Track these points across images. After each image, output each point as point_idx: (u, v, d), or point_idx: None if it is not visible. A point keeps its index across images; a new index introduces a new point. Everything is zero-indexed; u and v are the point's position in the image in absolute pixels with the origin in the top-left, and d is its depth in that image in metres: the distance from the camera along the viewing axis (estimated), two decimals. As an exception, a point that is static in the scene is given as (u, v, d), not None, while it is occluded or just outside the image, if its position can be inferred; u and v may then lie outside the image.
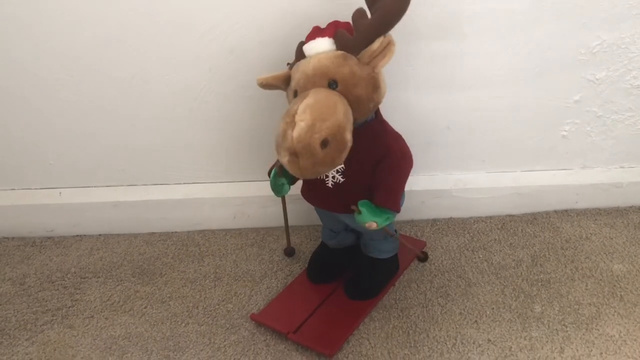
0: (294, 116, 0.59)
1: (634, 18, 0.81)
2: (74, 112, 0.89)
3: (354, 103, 0.64)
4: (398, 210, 0.69)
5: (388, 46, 0.64)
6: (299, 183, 0.78)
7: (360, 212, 0.66)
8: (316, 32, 0.68)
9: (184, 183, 0.97)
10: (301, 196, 0.78)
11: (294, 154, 0.59)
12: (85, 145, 0.93)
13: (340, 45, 0.65)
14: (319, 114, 0.59)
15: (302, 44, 0.69)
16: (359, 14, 0.65)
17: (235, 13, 0.80)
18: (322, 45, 0.66)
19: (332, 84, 0.64)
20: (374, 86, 0.66)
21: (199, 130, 0.91)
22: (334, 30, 0.66)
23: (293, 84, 0.67)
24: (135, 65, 0.85)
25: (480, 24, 0.82)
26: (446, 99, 0.87)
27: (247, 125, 0.90)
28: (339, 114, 0.61)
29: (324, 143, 0.59)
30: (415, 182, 0.93)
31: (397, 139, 0.71)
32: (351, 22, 0.66)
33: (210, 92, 0.87)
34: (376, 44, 0.64)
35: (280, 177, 0.73)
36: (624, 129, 0.92)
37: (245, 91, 0.87)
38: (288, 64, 0.73)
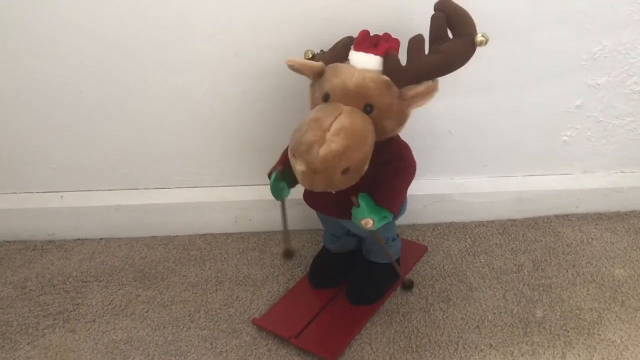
0: (325, 132, 0.58)
1: (635, 24, 0.82)
2: (75, 115, 0.90)
3: (378, 131, 0.64)
4: (395, 213, 0.68)
5: (432, 92, 0.63)
6: (300, 187, 0.78)
7: (358, 206, 0.65)
8: (368, 44, 0.65)
9: (186, 187, 0.97)
10: (302, 200, 0.78)
11: (313, 170, 0.58)
12: (87, 149, 0.93)
13: (388, 70, 0.63)
14: (352, 142, 0.59)
15: (349, 42, 0.67)
16: (417, 43, 0.63)
17: (238, 17, 0.80)
18: (371, 63, 0.64)
19: (368, 108, 0.63)
20: (402, 121, 0.65)
21: (201, 134, 0.91)
22: (386, 48, 0.64)
23: (327, 86, 0.64)
24: (137, 69, 0.85)
25: (482, 29, 0.82)
26: (448, 103, 0.87)
27: (250, 130, 0.91)
28: (368, 146, 0.61)
29: (345, 171, 0.59)
30: (417, 187, 0.93)
31: (405, 147, 0.71)
32: (407, 47, 0.63)
33: (212, 96, 0.87)
34: (422, 87, 0.62)
35: (280, 181, 0.72)
36: (625, 134, 0.92)
37: (248, 95, 0.87)
38: (322, 51, 0.70)
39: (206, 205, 0.96)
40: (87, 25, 0.81)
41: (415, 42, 0.63)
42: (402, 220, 0.93)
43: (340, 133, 0.58)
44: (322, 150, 0.57)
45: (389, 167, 0.68)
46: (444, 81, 0.86)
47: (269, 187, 0.72)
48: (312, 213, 0.81)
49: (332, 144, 0.58)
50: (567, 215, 0.97)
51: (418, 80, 0.62)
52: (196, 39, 0.82)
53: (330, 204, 0.72)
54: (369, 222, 0.64)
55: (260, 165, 0.92)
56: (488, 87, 0.86)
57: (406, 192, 0.71)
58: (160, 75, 0.85)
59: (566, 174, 0.96)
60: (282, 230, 0.77)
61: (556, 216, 0.97)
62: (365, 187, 0.67)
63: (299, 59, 0.67)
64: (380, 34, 0.66)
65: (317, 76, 0.67)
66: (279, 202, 0.78)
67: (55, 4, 0.80)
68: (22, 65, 0.85)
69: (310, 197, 0.76)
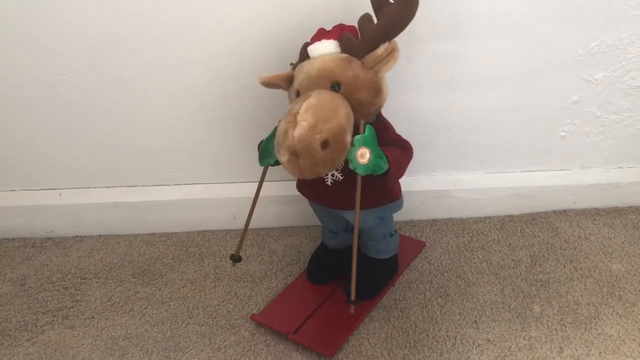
0: (295, 116, 0.59)
1: (632, 19, 0.82)
2: (74, 113, 0.90)
3: (356, 106, 0.64)
4: (392, 172, 0.64)
5: (392, 52, 0.64)
6: (294, 182, 0.78)
7: (364, 132, 0.62)
8: (321, 34, 0.68)
9: (184, 184, 0.98)
10: (300, 197, 0.78)
11: (294, 154, 0.59)
12: (86, 146, 0.93)
13: (345, 48, 0.66)
14: (321, 115, 0.59)
15: (306, 44, 0.69)
16: (365, 18, 0.65)
17: (235, 14, 0.80)
18: (327, 48, 0.66)
19: (335, 87, 0.64)
20: (377, 90, 0.66)
21: (199, 131, 0.91)
22: (339, 33, 0.67)
23: (296, 84, 0.67)
24: (135, 66, 0.85)
25: (480, 25, 0.82)
26: (445, 99, 0.87)
27: (248, 126, 0.91)
28: (341, 116, 0.61)
29: (325, 144, 0.59)
30: (415, 183, 0.94)
31: (401, 137, 0.71)
32: (357, 26, 0.66)
33: (210, 93, 0.87)
34: (381, 49, 0.64)
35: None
36: (622, 130, 0.92)
37: (245, 92, 0.87)
38: (291, 64, 0.73)
39: (205, 202, 0.96)
40: (85, 23, 0.81)
41: (363, 18, 0.66)
42: (400, 217, 0.94)
43: (308, 110, 0.60)
44: (296, 132, 0.58)
45: (392, 145, 0.68)
46: (442, 77, 0.87)
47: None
48: (310, 209, 0.81)
49: (303, 122, 0.59)
50: (564, 211, 0.97)
51: (374, 47, 0.64)
52: (194, 36, 0.82)
53: (325, 194, 0.72)
54: (365, 154, 0.61)
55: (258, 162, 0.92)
56: (485, 83, 0.86)
57: (406, 166, 0.69)
58: (158, 72, 0.86)
59: (564, 170, 0.96)
60: (253, 199, 0.72)
61: (554, 212, 0.97)
62: (365, 181, 0.67)
63: (269, 73, 0.70)
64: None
65: (289, 82, 0.70)
66: (278, 200, 0.78)
67: (53, 2, 0.80)
68: (20, 63, 0.85)
69: (305, 188, 0.76)
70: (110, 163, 0.95)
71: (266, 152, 0.70)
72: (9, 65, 0.85)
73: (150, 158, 0.94)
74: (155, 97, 0.88)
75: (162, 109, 0.89)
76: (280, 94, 0.86)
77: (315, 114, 0.59)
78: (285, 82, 0.70)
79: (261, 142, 0.71)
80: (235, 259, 0.72)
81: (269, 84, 0.71)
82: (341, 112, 0.62)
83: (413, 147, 0.71)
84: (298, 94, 0.67)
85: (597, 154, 0.95)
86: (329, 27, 0.70)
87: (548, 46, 0.84)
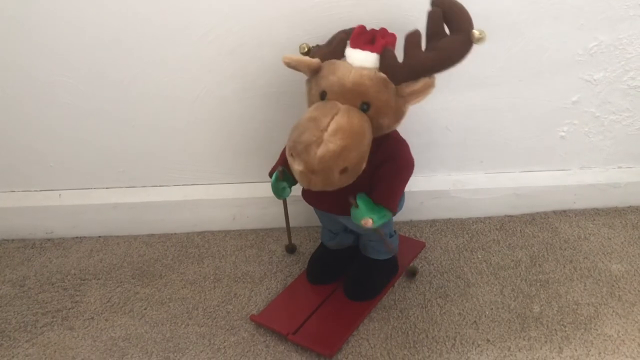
0: (322, 132, 0.58)
1: (631, 19, 0.82)
2: (73, 113, 0.90)
3: (375, 128, 0.64)
4: (394, 211, 0.68)
5: (428, 88, 0.63)
6: (299, 185, 0.78)
7: (357, 206, 0.65)
8: (364, 40, 0.65)
9: (184, 184, 0.98)
10: (300, 197, 0.78)
11: (311, 170, 0.59)
12: (85, 147, 0.93)
13: (384, 67, 0.63)
14: (349, 142, 0.59)
15: (344, 36, 0.66)
16: (414, 40, 0.62)
17: (234, 14, 0.80)
18: (368, 60, 0.63)
19: (364, 106, 0.63)
20: (399, 118, 0.66)
21: (198, 131, 0.91)
22: (383, 45, 0.64)
23: (323, 83, 0.64)
24: (134, 67, 0.85)
25: (478, 25, 0.82)
26: (445, 99, 0.87)
27: (247, 127, 0.91)
28: (365, 145, 0.61)
29: (344, 171, 0.59)
30: (414, 183, 0.93)
31: (403, 145, 0.71)
32: (404, 44, 0.63)
33: (209, 94, 0.87)
34: (420, 84, 0.62)
35: (281, 181, 0.72)
36: (622, 130, 0.92)
37: (244, 93, 0.87)
38: (318, 45, 0.70)
39: (204, 203, 0.96)
40: (84, 24, 0.81)
41: (412, 38, 0.63)
42: (399, 217, 0.94)
43: (337, 133, 0.59)
44: (320, 151, 0.58)
45: (387, 165, 0.68)
46: (440, 77, 0.87)
47: (266, 184, 0.73)
48: (310, 210, 0.81)
49: (330, 144, 0.58)
50: (564, 211, 0.97)
51: (415, 77, 0.63)
52: (193, 37, 0.82)
53: (328, 201, 0.72)
54: (368, 222, 0.64)
55: (258, 163, 0.92)
56: (485, 83, 0.86)
57: (404, 189, 0.71)
58: (158, 73, 0.86)
59: (563, 170, 0.96)
60: (286, 227, 0.79)
61: (554, 212, 0.97)
62: (363, 185, 0.67)
63: (295, 56, 0.67)
64: (377, 28, 0.66)
65: (314, 73, 0.67)
66: (277, 200, 0.78)
67: (52, 4, 0.80)
68: (19, 64, 0.85)
69: (308, 195, 0.76)
70: (110, 164, 0.95)
71: (277, 193, 0.73)
72: (8, 66, 0.85)
73: (149, 159, 0.94)
74: (154, 98, 0.88)
75: (162, 109, 0.89)
76: (280, 94, 0.86)
77: (344, 139, 0.59)
78: (310, 71, 0.67)
79: (270, 172, 0.73)
80: (290, 249, 0.85)
81: (293, 67, 0.67)
82: (366, 141, 0.61)
83: (412, 147, 0.71)
84: (323, 96, 0.64)
85: (596, 154, 0.95)
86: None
87: (547, 46, 0.84)
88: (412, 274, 0.83)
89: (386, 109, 0.63)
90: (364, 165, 0.62)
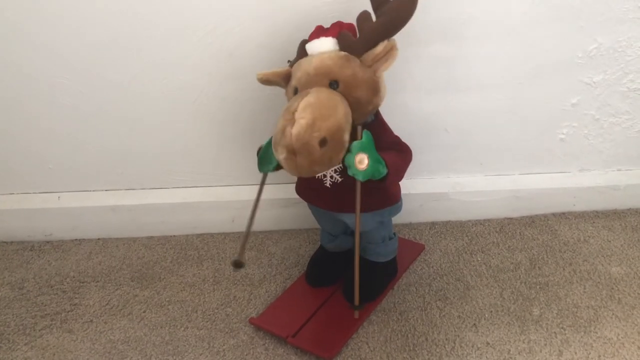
0: (293, 113, 0.59)
1: (631, 22, 0.82)
2: (72, 115, 0.90)
3: (354, 105, 0.64)
4: (391, 176, 0.65)
5: (391, 51, 0.64)
6: (293, 186, 0.78)
7: (361, 137, 0.63)
8: (319, 32, 0.68)
9: (183, 187, 0.97)
10: (299, 200, 0.78)
11: (292, 152, 0.59)
12: (84, 149, 0.93)
13: (343, 46, 0.65)
14: (319, 113, 0.59)
15: (304, 42, 0.69)
16: (364, 16, 0.65)
17: (233, 16, 0.80)
18: (325, 45, 0.66)
19: (334, 85, 0.64)
20: (375, 89, 0.66)
21: (197, 133, 0.91)
22: (338, 30, 0.66)
23: (294, 81, 0.67)
24: (133, 69, 0.85)
25: (478, 27, 0.82)
26: (444, 102, 0.87)
27: (246, 129, 0.91)
28: (339, 114, 0.61)
29: (323, 142, 0.59)
30: (414, 185, 0.93)
31: (398, 138, 0.71)
32: (355, 23, 0.66)
33: (208, 95, 0.87)
34: (380, 48, 0.64)
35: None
36: (621, 132, 0.92)
37: (244, 94, 0.87)
38: (289, 61, 0.72)
39: (203, 205, 0.96)
40: (83, 26, 0.81)
41: (362, 15, 0.65)
42: (398, 219, 0.94)
43: (306, 108, 0.59)
44: (294, 129, 0.58)
45: (391, 148, 0.68)
46: (439, 80, 0.87)
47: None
48: (309, 212, 0.81)
49: (301, 120, 0.58)
50: (564, 214, 0.97)
51: (373, 45, 0.64)
52: (192, 39, 0.82)
53: (324, 196, 0.72)
54: (364, 160, 0.62)
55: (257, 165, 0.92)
56: (484, 85, 0.86)
57: (404, 170, 0.70)
58: (157, 75, 0.86)
59: (563, 172, 0.96)
60: (252, 207, 0.70)
61: (553, 214, 0.97)
62: (364, 184, 0.67)
63: (266, 70, 0.70)
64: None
65: (287, 79, 0.69)
66: (276, 203, 0.78)
67: (51, 5, 0.80)
68: (18, 66, 0.85)
69: (304, 191, 0.76)
70: (109, 166, 0.95)
71: (265, 159, 0.70)
72: (7, 68, 0.85)
73: (148, 161, 0.94)
74: (153, 99, 0.88)
75: (160, 111, 0.89)
76: (279, 96, 0.86)
77: (313, 112, 0.59)
78: (283, 80, 0.70)
79: (260, 148, 0.71)
80: (238, 264, 0.70)
81: (266, 81, 0.71)
82: (340, 111, 0.61)
83: (412, 149, 0.71)
84: (296, 92, 0.66)
85: (596, 156, 0.95)
86: (327, 26, 0.70)
87: (546, 48, 0.84)
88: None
89: (355, 81, 0.64)
90: (346, 137, 0.62)
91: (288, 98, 0.70)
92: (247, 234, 0.71)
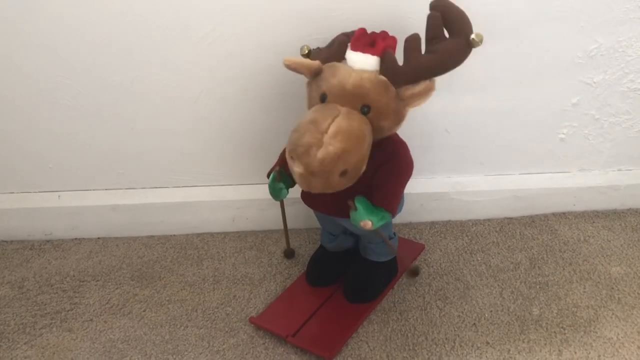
0: (322, 134, 0.59)
1: (631, 22, 0.82)
2: (72, 115, 0.90)
3: (375, 130, 0.64)
4: (394, 213, 0.68)
5: (428, 91, 0.63)
6: (298, 187, 0.78)
7: (356, 209, 0.65)
8: (365, 43, 0.64)
9: (183, 186, 0.97)
10: (300, 199, 0.78)
11: (311, 173, 0.59)
12: (84, 149, 0.93)
13: (385, 70, 0.63)
14: (349, 145, 0.59)
15: (344, 39, 0.67)
16: (414, 42, 0.62)
17: (233, 16, 0.80)
18: (369, 64, 0.64)
19: (365, 109, 0.63)
20: (399, 120, 0.66)
21: (197, 133, 0.91)
22: (383, 47, 0.64)
23: (324, 86, 0.65)
24: (134, 69, 0.85)
25: (479, 27, 0.82)
26: (445, 102, 0.87)
27: (246, 129, 0.91)
28: (365, 147, 0.61)
29: (343, 173, 0.59)
30: (414, 185, 0.93)
31: (403, 146, 0.71)
32: (404, 47, 0.63)
33: (209, 96, 0.87)
34: (421, 87, 0.62)
35: (278, 182, 0.72)
36: (622, 132, 0.92)
37: (244, 94, 0.87)
38: (318, 48, 0.70)
39: (203, 205, 0.96)
40: (83, 26, 0.81)
41: (412, 41, 0.63)
42: (399, 219, 0.94)
43: (337, 135, 0.59)
44: (320, 153, 0.58)
45: (386, 167, 0.68)
46: (440, 79, 0.87)
47: (265, 186, 0.72)
48: (309, 212, 0.81)
49: (330, 147, 0.58)
50: (564, 213, 0.97)
51: (415, 80, 0.63)
52: (192, 39, 0.82)
53: (328, 203, 0.72)
54: (367, 224, 0.64)
55: (258, 165, 0.92)
56: (485, 85, 0.86)
57: (404, 190, 0.71)
58: (157, 75, 0.85)
59: (563, 172, 0.96)
60: (283, 229, 0.78)
61: (553, 214, 0.97)
62: (362, 187, 0.67)
63: (296, 58, 0.67)
64: (378, 31, 0.66)
65: (314, 75, 0.67)
66: (277, 202, 0.78)
67: (51, 5, 0.80)
68: (18, 66, 0.85)
69: (308, 197, 0.76)
70: (109, 166, 0.95)
71: (274, 193, 0.72)
72: (7, 68, 0.85)
73: (149, 161, 0.94)
74: (153, 99, 0.88)
75: (161, 111, 0.89)
76: (280, 95, 0.87)
77: (343, 142, 0.59)
78: (311, 73, 0.67)
79: (269, 173, 0.73)
80: (289, 253, 0.83)
81: (293, 69, 0.67)
82: (366, 143, 0.62)
83: (412, 149, 0.71)
84: (324, 98, 0.65)
85: (596, 156, 0.95)
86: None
87: (547, 49, 0.84)
88: (415, 273, 0.84)
89: (386, 111, 0.63)
90: (363, 168, 0.63)
91: (309, 95, 0.68)
92: (286, 228, 0.82)
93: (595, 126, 0.91)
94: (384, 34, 0.66)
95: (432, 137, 0.91)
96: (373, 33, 0.66)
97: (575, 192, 0.95)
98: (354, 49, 0.65)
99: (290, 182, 0.73)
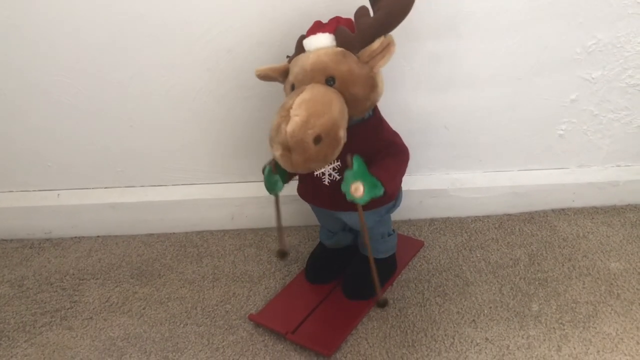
0: (289, 110, 0.59)
1: (629, 17, 0.82)
2: (71, 113, 0.90)
3: (351, 101, 0.64)
4: (388, 187, 0.65)
5: (388, 47, 0.64)
6: (294, 183, 0.78)
7: (351, 167, 0.62)
8: (317, 27, 0.68)
9: (182, 184, 0.98)
10: (298, 197, 0.78)
11: (287, 149, 0.59)
12: (83, 147, 0.93)
13: (340, 42, 0.65)
14: (314, 109, 0.59)
15: (302, 37, 0.69)
16: (361, 11, 0.65)
17: (232, 13, 0.80)
18: (322, 41, 0.66)
19: (330, 81, 0.64)
20: (372, 85, 0.66)
21: (196, 131, 0.91)
22: (335, 26, 0.66)
23: (291, 77, 0.67)
24: (132, 67, 0.85)
25: (477, 24, 0.82)
26: (443, 98, 0.87)
27: (245, 126, 0.91)
28: (334, 111, 0.61)
29: (317, 139, 0.59)
30: (413, 182, 0.94)
31: (395, 135, 0.71)
32: (353, 19, 0.66)
33: (208, 93, 0.87)
34: (376, 44, 0.64)
35: (274, 174, 0.71)
36: (620, 128, 0.92)
37: (243, 92, 0.87)
38: (287, 56, 0.72)
39: (203, 202, 0.96)
40: (82, 24, 0.81)
41: (360, 11, 0.65)
42: (398, 216, 0.94)
43: (301, 105, 0.60)
44: (289, 127, 0.58)
45: (384, 152, 0.68)
46: (438, 76, 0.87)
47: (264, 183, 0.72)
48: (308, 209, 0.81)
49: (296, 117, 0.59)
50: (563, 210, 0.97)
51: (369, 41, 0.64)
52: (191, 36, 0.82)
53: (323, 195, 0.72)
54: (359, 188, 0.62)
55: (256, 162, 0.92)
56: (483, 81, 0.86)
57: (402, 174, 0.70)
58: (155, 73, 0.86)
59: (562, 168, 0.96)
60: (277, 227, 0.76)
61: (552, 210, 0.97)
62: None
63: (264, 66, 0.70)
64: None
65: (285, 75, 0.69)
66: (274, 199, 0.78)
67: (50, 5, 0.80)
68: (17, 64, 0.85)
69: (304, 191, 0.76)
70: (108, 164, 0.95)
71: (270, 186, 0.72)
72: (6, 66, 0.85)
73: (147, 159, 0.94)
74: (152, 97, 0.88)
75: (160, 109, 0.89)
76: (278, 93, 0.86)
77: (308, 109, 0.59)
78: (281, 75, 0.70)
79: (264, 168, 0.72)
80: (282, 254, 0.76)
81: (265, 76, 0.71)
82: (335, 107, 0.61)
83: (410, 146, 0.71)
84: (293, 88, 0.66)
85: (595, 152, 0.95)
86: (326, 21, 0.70)
87: (545, 45, 0.84)
88: (382, 305, 0.74)
89: (352, 77, 0.64)
90: (341, 133, 0.62)
91: (286, 94, 0.70)
92: (280, 226, 0.76)
93: (594, 122, 0.91)
94: (337, 17, 0.68)
95: (430, 134, 0.91)
96: (329, 21, 0.68)
97: (574, 188, 0.95)
98: (308, 34, 0.68)
99: (286, 175, 0.72)
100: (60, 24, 0.81)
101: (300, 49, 0.69)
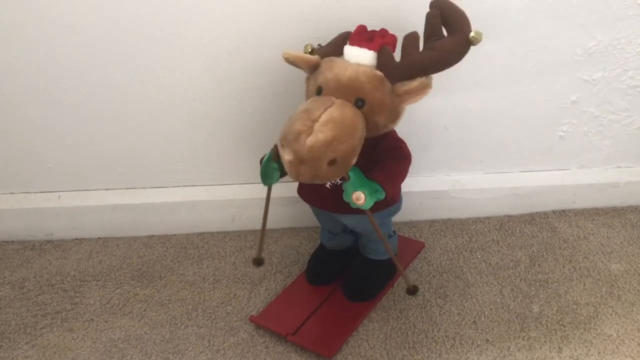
0: (313, 122, 0.59)
1: (630, 19, 0.82)
2: (72, 115, 0.90)
3: (370, 126, 0.64)
4: (387, 191, 0.65)
5: (425, 88, 0.63)
6: (294, 184, 0.78)
7: (348, 179, 0.63)
8: (363, 38, 0.65)
9: (183, 186, 0.98)
10: (299, 198, 0.78)
11: (299, 159, 0.58)
12: (84, 149, 0.93)
13: (381, 65, 0.63)
14: (339, 133, 0.59)
15: (345, 36, 0.67)
16: (412, 40, 0.63)
17: (232, 15, 0.80)
18: (365, 58, 0.64)
19: (359, 102, 0.63)
20: (395, 117, 0.66)
21: (197, 132, 0.91)
22: (380, 43, 0.64)
23: (320, 79, 0.65)
24: (133, 68, 0.85)
25: (477, 25, 0.82)
26: (444, 99, 0.87)
27: (246, 128, 0.91)
28: (356, 138, 0.61)
29: (332, 162, 0.59)
30: (413, 183, 0.94)
31: (401, 142, 0.71)
32: (402, 44, 0.63)
33: (208, 94, 0.87)
34: (416, 82, 0.62)
35: (273, 162, 0.68)
36: (621, 129, 0.92)
37: (243, 93, 0.87)
38: (319, 45, 0.70)
39: (203, 204, 0.96)
40: (82, 25, 0.81)
41: (410, 38, 0.63)
42: (398, 217, 0.94)
43: (328, 124, 0.59)
44: (310, 140, 0.58)
45: (386, 157, 0.68)
46: (439, 77, 0.86)
47: (260, 172, 0.71)
48: (309, 210, 0.81)
49: (320, 134, 0.58)
50: (563, 211, 0.97)
51: (411, 76, 0.63)
52: (191, 38, 0.82)
53: (325, 198, 0.72)
54: (360, 197, 0.62)
55: (257, 163, 0.92)
56: (484, 83, 0.86)
57: (403, 178, 0.70)
58: (156, 74, 0.86)
59: (562, 170, 0.96)
60: (261, 227, 0.74)
61: (553, 212, 0.97)
62: None
63: (295, 52, 0.67)
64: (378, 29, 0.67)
65: (312, 69, 0.67)
66: (277, 202, 0.78)
67: (50, 5, 0.80)
68: (18, 66, 0.85)
69: (304, 192, 0.76)
70: (109, 165, 0.95)
71: (267, 174, 0.69)
72: (7, 68, 0.85)
73: (148, 160, 0.94)
74: (153, 99, 0.88)
75: (160, 111, 0.89)
76: (279, 94, 0.87)
77: (334, 130, 0.58)
78: (309, 68, 0.67)
79: (262, 158, 0.70)
80: (258, 261, 0.75)
81: (292, 62, 0.67)
82: (357, 134, 0.61)
83: (411, 147, 0.71)
84: (319, 92, 0.65)
85: (595, 153, 0.95)
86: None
87: (546, 46, 0.84)
88: (413, 292, 0.74)
89: (381, 106, 0.63)
90: (354, 160, 0.62)
91: (307, 89, 0.68)
92: (263, 233, 0.74)
93: (594, 123, 0.91)
94: (383, 31, 0.66)
95: (431, 135, 0.91)
96: (373, 30, 0.66)
97: (575, 189, 0.95)
98: (352, 43, 0.65)
99: (283, 169, 0.71)
100: (60, 25, 0.82)
101: (338, 48, 0.67)
